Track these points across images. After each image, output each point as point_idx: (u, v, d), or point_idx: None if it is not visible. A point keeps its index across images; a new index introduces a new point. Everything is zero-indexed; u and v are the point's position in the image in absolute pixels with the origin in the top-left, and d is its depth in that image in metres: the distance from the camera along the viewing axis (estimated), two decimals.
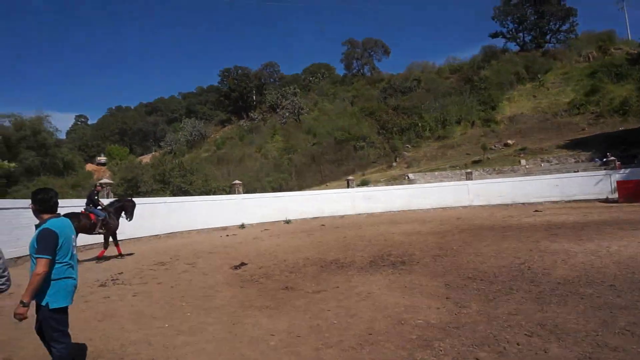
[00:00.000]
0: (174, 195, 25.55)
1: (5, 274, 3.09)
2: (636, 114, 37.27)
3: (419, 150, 45.79)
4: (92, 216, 11.68)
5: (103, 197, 16.94)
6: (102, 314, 5.99)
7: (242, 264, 9.68)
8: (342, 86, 71.37)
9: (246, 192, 25.33)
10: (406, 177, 33.77)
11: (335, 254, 10.61)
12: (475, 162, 36.04)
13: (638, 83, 40.35)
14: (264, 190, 33.86)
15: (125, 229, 14.83)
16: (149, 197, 22.30)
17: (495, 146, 40.30)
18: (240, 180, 24.63)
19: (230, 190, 25.13)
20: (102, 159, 74.09)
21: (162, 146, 70.91)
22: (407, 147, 47.43)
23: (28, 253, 10.92)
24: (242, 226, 20.62)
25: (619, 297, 5.54)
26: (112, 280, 8.60)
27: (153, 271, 9.51)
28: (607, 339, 4.23)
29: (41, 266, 3.43)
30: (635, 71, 42.77)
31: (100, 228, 11.77)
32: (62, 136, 79.88)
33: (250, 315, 5.73)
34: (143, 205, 16.99)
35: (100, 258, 11.67)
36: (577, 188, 23.20)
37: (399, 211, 24.59)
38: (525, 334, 4.47)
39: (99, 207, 12.08)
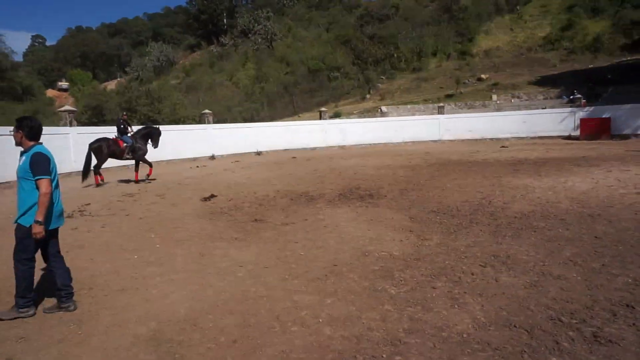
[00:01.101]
0: (142, 124, 24.82)
1: None
2: (607, 52, 37.53)
3: (394, 83, 45.30)
4: (121, 143, 12.64)
5: (66, 125, 16.30)
6: (69, 245, 5.99)
7: (212, 196, 9.72)
8: (318, 11, 68.34)
9: (216, 122, 24.81)
10: (379, 110, 33.66)
11: (305, 186, 10.75)
12: (449, 96, 36.08)
13: (613, 19, 40.20)
14: (234, 120, 33.25)
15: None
16: (112, 127, 21.60)
17: (468, 80, 40.24)
18: (210, 110, 24.02)
19: (199, 119, 24.56)
20: (63, 84, 70.40)
21: (128, 72, 67.65)
22: (382, 78, 46.81)
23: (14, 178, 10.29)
24: (212, 157, 20.47)
25: (568, 229, 5.91)
26: (79, 211, 8.52)
27: (121, 202, 9.46)
28: (552, 268, 4.56)
29: (46, 186, 3.66)
30: (611, 7, 42.41)
31: (128, 154, 12.70)
32: (19, 59, 74.82)
33: (218, 247, 5.86)
34: (107, 134, 16.48)
35: (137, 181, 12.73)
36: (543, 125, 23.76)
37: (370, 144, 24.77)
38: (480, 265, 4.76)
39: (129, 134, 12.91)
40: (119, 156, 12.73)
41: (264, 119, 36.67)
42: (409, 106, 33.83)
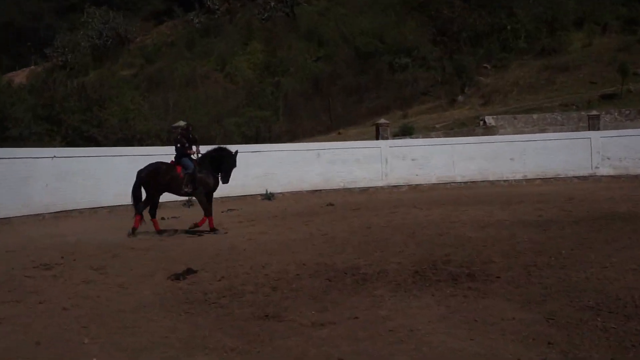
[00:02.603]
0: (69, 144, 25.57)
1: None
2: None
3: (507, 75, 45.39)
4: (179, 169, 14.53)
5: None
6: None
7: (189, 270, 9.76)
8: None
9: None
10: (481, 123, 33.59)
11: (351, 257, 10.68)
12: (607, 98, 35.80)
13: None
14: (228, 139, 33.72)
15: None
16: (23, 147, 22.31)
17: None
18: (186, 122, 24.49)
19: (169, 137, 25.06)
20: None
21: (49, 56, 70.46)
22: (486, 68, 47.01)
23: None
24: (189, 202, 20.82)
25: None
26: None
27: (32, 280, 9.59)
28: None
29: None
30: None
31: (187, 186, 14.45)
32: None
33: None
34: (10, 161, 17.12)
35: (198, 227, 14.37)
36: None
37: (466, 183, 24.81)
38: None
39: (194, 156, 14.80)
40: (175, 188, 14.67)
41: (279, 138, 37.11)
42: (534, 116, 33.65)
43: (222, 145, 16.32)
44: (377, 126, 27.18)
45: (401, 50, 48.88)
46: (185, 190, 14.54)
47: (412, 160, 24.95)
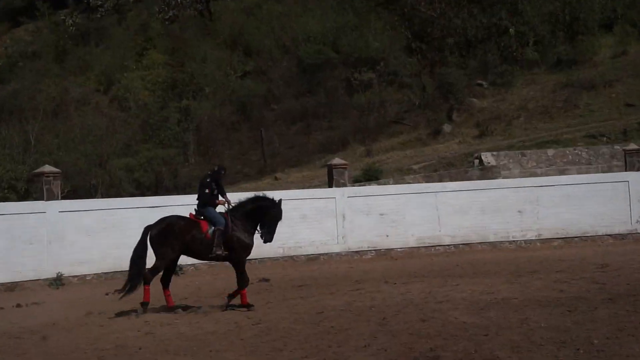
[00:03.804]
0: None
1: None
2: None
3: (510, 95, 46.07)
4: (204, 225, 15.25)
5: None
6: None
7: None
8: None
9: (70, 193, 24.92)
10: (476, 162, 33.94)
11: (296, 355, 10.59)
12: None
13: None
14: (116, 190, 33.46)
15: None
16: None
17: None
18: (54, 168, 24.22)
19: (29, 188, 24.74)
20: None
21: None
22: (482, 85, 47.53)
23: None
24: (59, 281, 20.93)
25: None
26: None
27: None
28: None
29: None
30: None
31: (218, 249, 15.16)
32: None
33: None
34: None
35: (231, 305, 15.37)
36: None
37: (455, 246, 25.05)
38: None
39: (224, 207, 15.83)
40: (199, 252, 15.67)
41: (189, 187, 36.98)
42: (550, 151, 34.13)
43: (258, 194, 16.87)
44: (331, 168, 27.10)
45: (363, 61, 49.21)
46: (218, 253, 15.17)
47: (381, 215, 24.89)
